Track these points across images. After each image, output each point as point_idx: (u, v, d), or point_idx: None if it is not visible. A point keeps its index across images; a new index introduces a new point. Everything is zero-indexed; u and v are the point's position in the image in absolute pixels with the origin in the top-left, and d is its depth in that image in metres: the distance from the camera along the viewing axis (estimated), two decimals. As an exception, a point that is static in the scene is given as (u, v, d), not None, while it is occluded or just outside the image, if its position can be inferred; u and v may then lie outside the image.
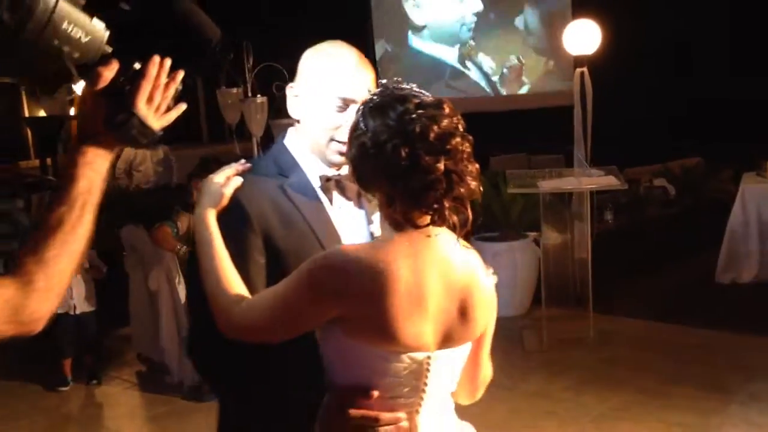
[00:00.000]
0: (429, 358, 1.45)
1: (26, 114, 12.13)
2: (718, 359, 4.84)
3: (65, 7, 1.11)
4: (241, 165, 1.64)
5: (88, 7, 1.14)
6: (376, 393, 1.44)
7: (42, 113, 10.61)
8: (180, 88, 1.26)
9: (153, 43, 1.23)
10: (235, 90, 5.27)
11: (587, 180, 5.39)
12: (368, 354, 1.43)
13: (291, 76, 1.74)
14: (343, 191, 1.69)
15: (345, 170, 1.64)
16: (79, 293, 4.94)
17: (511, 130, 11.12)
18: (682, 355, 4.95)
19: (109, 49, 1.17)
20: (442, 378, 1.50)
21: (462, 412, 1.66)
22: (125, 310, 5.46)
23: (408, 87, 1.45)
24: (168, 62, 1.21)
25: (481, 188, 1.45)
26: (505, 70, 11.66)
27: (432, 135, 1.36)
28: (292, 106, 1.71)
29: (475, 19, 11.17)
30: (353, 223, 1.70)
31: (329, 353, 1.48)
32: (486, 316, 1.52)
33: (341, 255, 1.43)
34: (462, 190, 1.40)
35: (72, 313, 4.93)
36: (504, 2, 11.56)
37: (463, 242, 1.50)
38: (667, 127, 9.98)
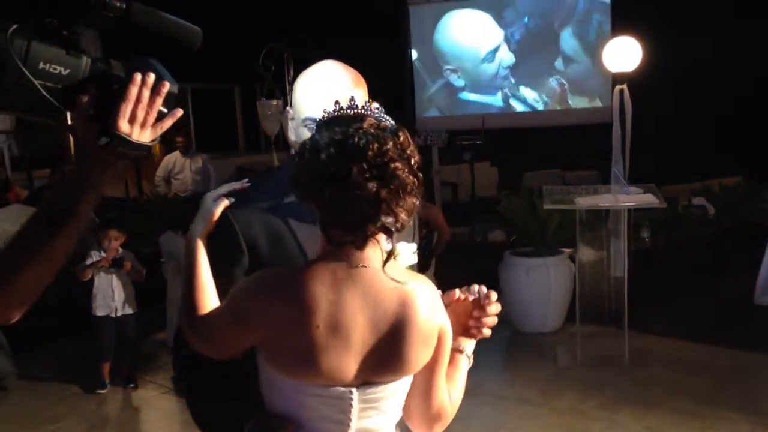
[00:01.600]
0: (351, 393, 1.40)
1: (69, 121, 12.40)
2: (754, 381, 4.77)
3: (39, 48, 1.16)
4: (239, 183, 1.64)
5: (65, 37, 1.18)
6: (292, 427, 1.42)
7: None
8: (175, 92, 1.28)
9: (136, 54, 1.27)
10: (275, 102, 5.33)
11: (625, 197, 5.35)
12: (288, 385, 1.42)
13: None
14: None
15: None
16: (120, 296, 5.05)
17: (546, 146, 11.12)
18: (718, 376, 4.89)
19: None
20: (374, 415, 1.44)
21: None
22: (162, 315, 5.55)
23: (375, 110, 1.41)
24: (151, 78, 1.23)
25: (416, 222, 1.41)
26: (546, 98, 12.12)
27: (371, 153, 1.31)
28: (287, 129, 1.73)
29: (507, 71, 12.07)
30: None
31: (260, 378, 1.47)
32: (422, 353, 1.43)
33: (263, 280, 1.41)
34: (390, 220, 1.34)
35: (113, 315, 5.04)
36: (540, 31, 11.81)
37: (403, 272, 1.45)
38: (707, 145, 9.88)
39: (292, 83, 5.39)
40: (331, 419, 1.42)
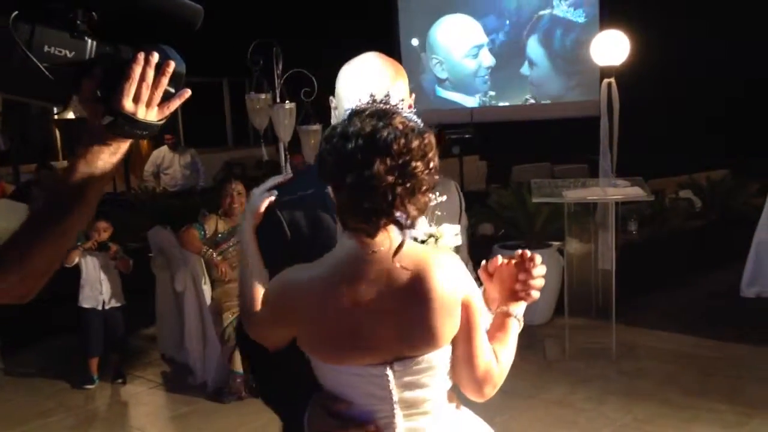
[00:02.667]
0: (386, 369, 1.49)
1: (55, 116, 12.34)
2: (742, 372, 4.81)
3: (43, 32, 1.16)
4: (282, 177, 1.73)
5: (70, 20, 1.18)
6: (345, 405, 1.52)
7: (71, 115, 10.77)
8: (183, 72, 1.28)
9: (137, 34, 1.27)
10: (263, 96, 5.31)
11: (613, 190, 5.37)
12: (329, 368, 1.53)
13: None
14: None
15: None
16: (107, 289, 5.03)
17: (534, 140, 11.15)
18: (706, 368, 4.92)
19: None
20: (415, 387, 1.51)
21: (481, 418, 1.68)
22: (151, 311, 5.54)
23: (407, 109, 1.48)
24: (155, 57, 1.22)
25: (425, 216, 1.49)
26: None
27: (395, 148, 1.37)
28: (332, 118, 1.78)
29: (487, 72, 12.77)
30: None
31: (311, 362, 1.57)
32: (447, 324, 1.49)
33: (288, 277, 1.52)
34: (400, 215, 1.41)
35: (100, 308, 5.02)
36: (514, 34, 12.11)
37: (419, 250, 1.51)
38: (693, 138, 9.93)
39: (281, 77, 5.37)
40: (374, 395, 1.51)
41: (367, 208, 1.39)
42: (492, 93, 12.76)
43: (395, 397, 1.50)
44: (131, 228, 6.43)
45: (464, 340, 1.53)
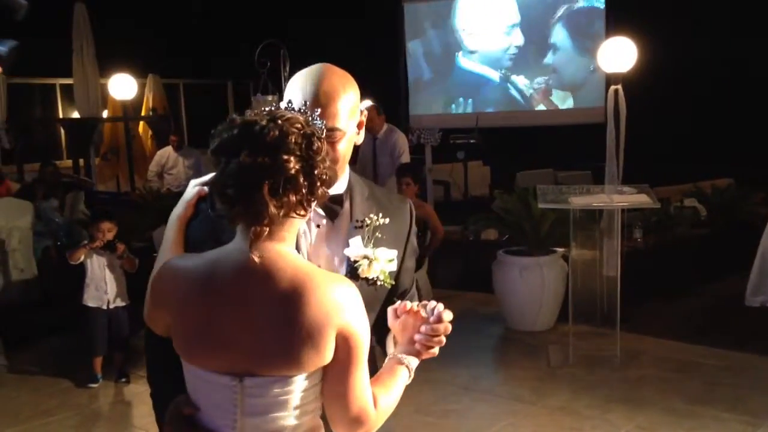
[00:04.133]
0: (234, 381, 1.41)
1: (60, 115, 12.36)
2: (746, 381, 4.80)
3: None
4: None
5: None
6: (191, 410, 1.48)
7: (76, 115, 10.80)
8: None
9: None
10: (270, 97, 5.33)
11: (619, 197, 5.37)
12: (187, 368, 1.48)
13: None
14: (317, 211, 1.67)
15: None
16: (112, 288, 5.04)
17: (538, 146, 11.16)
18: (711, 376, 4.92)
19: None
20: (264, 413, 1.42)
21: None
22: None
23: (313, 115, 1.45)
24: None
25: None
26: (532, 91, 12.57)
27: (266, 140, 1.37)
28: None
29: (516, 51, 12.58)
30: (323, 243, 1.69)
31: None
32: (309, 352, 1.39)
33: (171, 262, 1.53)
34: (257, 209, 1.37)
35: (105, 307, 5.02)
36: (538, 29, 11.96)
37: (305, 268, 1.43)
38: (699, 146, 9.92)
39: (287, 79, 5.38)
40: (219, 407, 1.44)
41: (229, 195, 1.38)
42: (512, 69, 12.64)
43: (239, 415, 1.42)
44: (136, 228, 6.43)
45: (337, 374, 1.43)
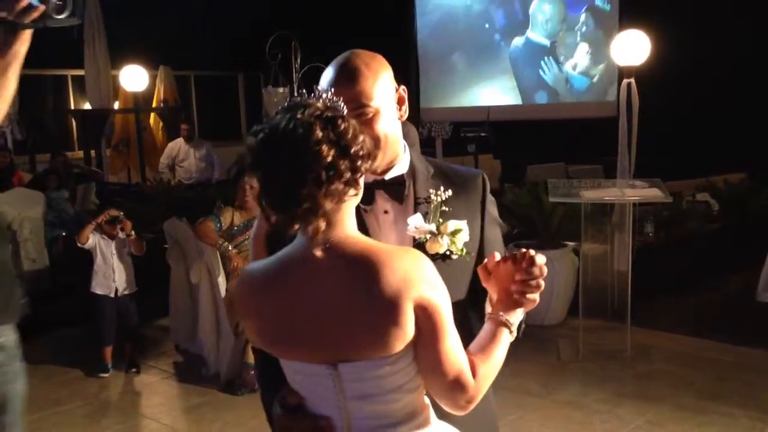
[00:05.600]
0: (328, 369, 1.41)
1: (72, 107, 12.40)
2: (756, 377, 4.77)
3: None
4: None
5: None
6: (294, 398, 1.49)
7: (87, 106, 10.83)
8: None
9: None
10: (281, 89, 5.32)
11: (631, 191, 5.34)
12: (284, 364, 1.49)
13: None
14: (383, 196, 1.68)
15: (389, 175, 1.68)
16: (120, 276, 5.07)
17: (548, 140, 11.12)
18: (721, 372, 4.89)
19: None
20: (366, 397, 1.42)
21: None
22: (165, 301, 5.56)
23: (331, 98, 1.43)
24: None
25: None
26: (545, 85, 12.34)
27: (294, 140, 1.36)
28: None
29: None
30: (393, 227, 1.69)
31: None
32: (389, 328, 1.36)
33: (245, 270, 1.53)
34: (310, 207, 1.36)
35: (112, 295, 5.05)
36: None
37: (365, 245, 1.41)
38: (711, 141, 9.86)
39: (299, 71, 5.37)
40: (320, 397, 1.45)
41: (278, 204, 1.37)
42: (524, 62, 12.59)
43: (341, 401, 1.43)
44: (146, 219, 6.45)
45: (426, 345, 1.39)
